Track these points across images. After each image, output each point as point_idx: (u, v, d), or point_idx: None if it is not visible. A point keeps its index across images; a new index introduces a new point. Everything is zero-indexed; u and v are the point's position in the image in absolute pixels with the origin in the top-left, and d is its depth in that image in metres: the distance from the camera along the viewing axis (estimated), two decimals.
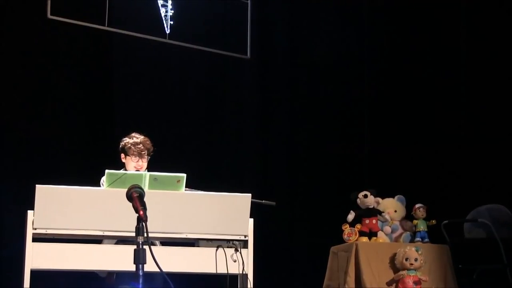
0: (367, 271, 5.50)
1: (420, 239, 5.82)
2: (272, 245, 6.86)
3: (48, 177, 4.47)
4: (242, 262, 4.17)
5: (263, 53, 7.49)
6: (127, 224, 3.40)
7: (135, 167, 4.87)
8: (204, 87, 7.16)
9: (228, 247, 4.19)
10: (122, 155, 4.95)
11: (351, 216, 5.75)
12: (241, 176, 6.99)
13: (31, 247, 3.91)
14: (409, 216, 6.00)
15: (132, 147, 4.89)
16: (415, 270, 5.50)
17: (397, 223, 5.95)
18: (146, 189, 3.69)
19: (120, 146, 4.96)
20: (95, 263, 4.07)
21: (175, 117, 6.88)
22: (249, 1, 7.31)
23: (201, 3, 7.04)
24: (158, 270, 3.21)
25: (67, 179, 4.51)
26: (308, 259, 7.14)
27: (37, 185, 3.91)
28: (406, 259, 5.49)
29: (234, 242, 4.22)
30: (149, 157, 4.94)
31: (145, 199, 3.28)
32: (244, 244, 4.25)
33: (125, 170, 4.86)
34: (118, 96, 6.63)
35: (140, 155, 4.88)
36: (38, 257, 3.91)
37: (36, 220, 3.91)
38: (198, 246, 4.23)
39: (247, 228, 4.24)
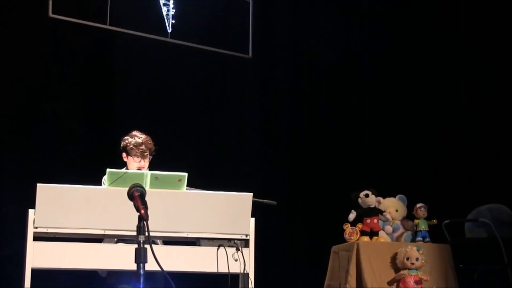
0: (368, 271, 5.50)
1: (421, 239, 5.83)
2: (274, 245, 6.86)
3: (49, 176, 4.47)
4: (243, 261, 4.17)
5: (265, 53, 7.48)
6: (128, 223, 3.40)
7: (137, 167, 4.83)
8: (206, 86, 7.15)
9: (229, 246, 4.19)
10: (124, 155, 4.91)
11: (352, 215, 5.75)
12: (242, 175, 6.97)
13: (32, 246, 3.90)
14: (410, 215, 6.00)
15: (134, 148, 4.83)
16: (416, 270, 5.50)
17: (398, 222, 5.95)
18: (147, 188, 3.68)
19: (122, 145, 4.91)
20: (96, 262, 4.06)
21: (176, 116, 6.87)
22: (251, 1, 7.30)
23: (203, 2, 7.03)
24: (159, 269, 3.21)
25: (68, 178, 4.52)
26: (309, 258, 7.14)
27: (38, 184, 3.90)
28: (407, 259, 5.49)
29: (235, 241, 4.22)
30: (151, 157, 4.92)
31: (146, 198, 3.29)
32: (246, 243, 4.24)
33: (127, 169, 4.82)
34: (120, 95, 6.62)
35: (143, 156, 4.85)
36: (39, 256, 3.90)
37: (37, 219, 3.90)
38: (200, 245, 4.22)
39: (248, 227, 4.23)
